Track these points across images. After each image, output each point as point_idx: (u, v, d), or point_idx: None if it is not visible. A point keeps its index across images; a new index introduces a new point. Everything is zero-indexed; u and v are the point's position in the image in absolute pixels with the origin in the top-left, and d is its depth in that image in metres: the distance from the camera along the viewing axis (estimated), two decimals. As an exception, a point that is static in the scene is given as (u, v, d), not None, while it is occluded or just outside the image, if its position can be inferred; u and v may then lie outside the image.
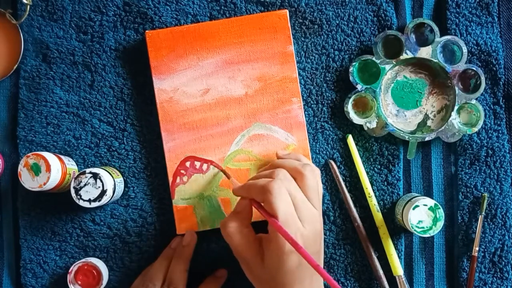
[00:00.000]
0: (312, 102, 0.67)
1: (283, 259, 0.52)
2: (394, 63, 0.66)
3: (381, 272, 0.65)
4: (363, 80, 0.66)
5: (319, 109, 0.67)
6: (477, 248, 0.65)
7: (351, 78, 0.66)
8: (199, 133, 0.65)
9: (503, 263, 0.66)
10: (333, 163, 0.66)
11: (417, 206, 0.62)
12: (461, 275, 0.66)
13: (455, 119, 0.66)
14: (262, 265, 0.54)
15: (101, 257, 0.66)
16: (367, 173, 0.67)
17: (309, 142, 0.66)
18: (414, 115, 0.67)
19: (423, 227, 0.62)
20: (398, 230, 0.67)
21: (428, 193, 0.68)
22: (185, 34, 0.65)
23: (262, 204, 0.54)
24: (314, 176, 0.56)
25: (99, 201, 0.61)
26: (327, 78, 0.67)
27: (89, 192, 0.61)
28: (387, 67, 0.66)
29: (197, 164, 0.65)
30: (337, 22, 0.67)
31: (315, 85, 0.67)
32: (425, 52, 0.65)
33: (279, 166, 0.57)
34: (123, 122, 0.67)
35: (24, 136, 0.67)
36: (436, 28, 0.65)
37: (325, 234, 0.66)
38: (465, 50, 0.65)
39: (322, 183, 0.66)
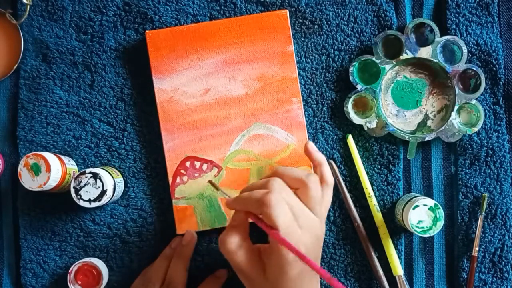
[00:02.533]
0: (312, 102, 0.67)
1: (286, 269, 0.51)
2: (394, 63, 0.66)
3: (381, 272, 0.65)
4: (363, 80, 0.66)
5: (319, 109, 0.67)
6: (477, 248, 0.65)
7: (351, 78, 0.66)
8: (199, 133, 0.65)
9: (503, 263, 0.66)
10: (333, 163, 0.66)
11: (417, 206, 0.62)
12: (461, 275, 0.66)
13: (455, 119, 0.66)
14: (264, 277, 0.53)
15: (101, 257, 0.66)
16: (367, 173, 0.67)
17: (309, 142, 0.66)
18: (414, 115, 0.67)
19: (423, 227, 0.62)
20: (398, 230, 0.67)
21: (428, 193, 0.68)
22: (185, 34, 0.65)
23: (260, 216, 0.53)
24: (317, 188, 0.55)
25: (99, 201, 0.61)
26: (327, 78, 0.67)
27: (89, 192, 0.61)
28: (387, 67, 0.66)
29: (197, 164, 0.65)
30: (337, 22, 0.67)
31: (315, 85, 0.67)
32: (425, 52, 0.66)
33: (281, 175, 0.56)
34: (123, 122, 0.67)
35: (24, 136, 0.67)
36: (436, 28, 0.65)
37: (325, 234, 0.66)
38: (465, 50, 0.65)
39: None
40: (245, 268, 0.54)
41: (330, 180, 0.58)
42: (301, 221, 0.53)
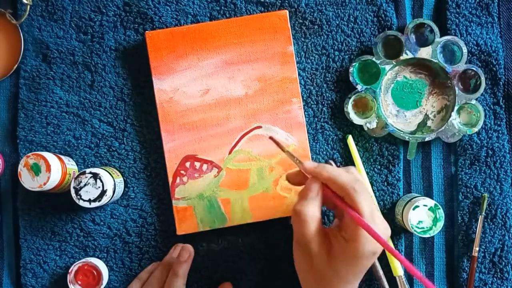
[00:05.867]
0: (312, 102, 0.67)
1: (358, 260, 0.51)
2: (394, 63, 0.66)
3: (381, 272, 0.65)
4: (363, 80, 0.66)
5: (319, 109, 0.67)
6: (477, 248, 0.65)
7: (351, 78, 0.66)
8: (199, 134, 0.65)
9: (503, 263, 0.66)
10: (333, 163, 0.66)
11: (417, 206, 0.62)
12: (461, 275, 0.66)
13: (455, 119, 0.66)
14: (327, 259, 0.52)
15: (101, 257, 0.66)
16: (367, 173, 0.67)
17: (309, 142, 0.66)
18: (414, 115, 0.67)
19: (423, 228, 0.62)
20: (398, 231, 0.67)
21: (428, 193, 0.68)
22: (185, 34, 0.65)
23: (344, 198, 0.52)
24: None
25: (99, 201, 0.61)
26: (327, 79, 0.67)
27: (89, 192, 0.61)
28: (387, 67, 0.66)
29: (197, 164, 0.65)
30: (337, 22, 0.67)
31: (315, 85, 0.67)
32: (425, 53, 0.65)
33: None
34: (123, 122, 0.67)
35: (24, 136, 0.67)
36: (436, 29, 0.65)
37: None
38: (465, 50, 0.65)
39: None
40: (313, 243, 0.52)
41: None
42: (377, 218, 0.52)
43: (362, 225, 0.50)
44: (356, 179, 0.52)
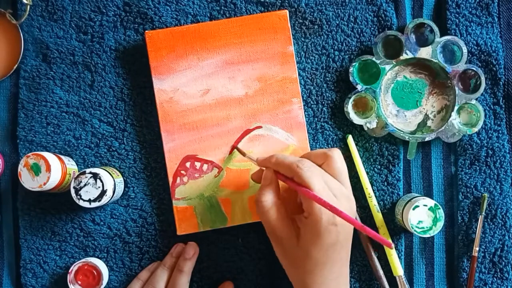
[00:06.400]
0: (312, 102, 0.67)
1: (320, 233, 0.52)
2: (394, 63, 0.66)
3: (381, 272, 0.65)
4: (363, 80, 0.66)
5: (319, 109, 0.67)
6: (477, 248, 0.65)
7: (351, 78, 0.66)
8: (199, 134, 0.65)
9: (503, 263, 0.66)
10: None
11: (417, 206, 0.62)
12: (461, 275, 0.66)
13: (455, 119, 0.66)
14: (297, 243, 0.54)
15: (101, 257, 0.66)
16: (367, 173, 0.67)
17: (309, 142, 0.66)
18: (414, 115, 0.67)
19: (423, 227, 0.62)
20: (398, 230, 0.67)
21: (428, 193, 0.68)
22: (185, 34, 0.65)
23: (293, 178, 0.54)
24: (342, 159, 0.57)
25: (99, 201, 0.61)
26: (327, 79, 0.67)
27: (89, 192, 0.61)
28: (387, 67, 0.66)
29: (197, 164, 0.65)
30: (337, 22, 0.67)
31: (315, 85, 0.67)
32: (425, 52, 0.66)
33: (306, 155, 0.58)
34: (123, 122, 0.67)
35: (24, 136, 0.67)
36: (436, 28, 0.65)
37: (325, 234, 0.66)
38: (465, 50, 0.65)
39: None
40: (278, 230, 0.55)
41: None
42: (334, 191, 0.53)
43: (310, 196, 0.52)
44: (299, 159, 0.55)
